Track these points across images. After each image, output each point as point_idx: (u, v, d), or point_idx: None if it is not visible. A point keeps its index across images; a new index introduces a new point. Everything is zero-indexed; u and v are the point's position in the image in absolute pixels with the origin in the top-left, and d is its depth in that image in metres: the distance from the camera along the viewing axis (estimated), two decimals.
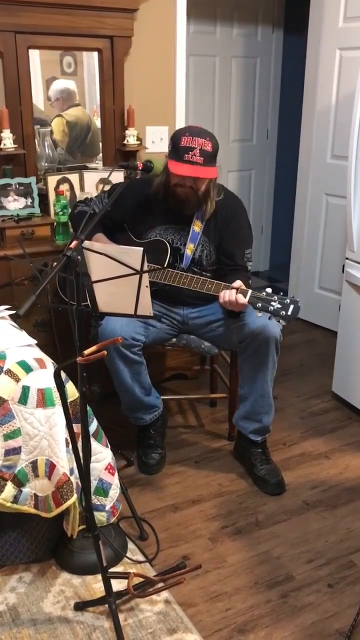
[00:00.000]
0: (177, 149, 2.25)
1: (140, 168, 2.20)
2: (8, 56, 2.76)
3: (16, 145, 2.78)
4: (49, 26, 2.79)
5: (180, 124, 3.35)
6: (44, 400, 1.81)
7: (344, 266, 2.90)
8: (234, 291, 2.15)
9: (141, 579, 1.89)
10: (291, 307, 2.08)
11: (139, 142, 3.09)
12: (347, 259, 2.87)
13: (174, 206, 2.40)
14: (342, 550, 2.14)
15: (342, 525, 2.26)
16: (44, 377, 1.85)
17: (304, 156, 3.93)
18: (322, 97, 3.68)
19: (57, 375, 1.57)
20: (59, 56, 3.21)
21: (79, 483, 1.84)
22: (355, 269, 2.81)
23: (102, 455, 1.98)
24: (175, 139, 2.27)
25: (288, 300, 2.09)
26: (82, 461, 1.71)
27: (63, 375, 1.76)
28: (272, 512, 2.32)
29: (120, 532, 2.11)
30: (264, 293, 2.12)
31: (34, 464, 1.84)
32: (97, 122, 3.23)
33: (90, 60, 3.20)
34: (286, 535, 2.20)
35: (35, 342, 2.06)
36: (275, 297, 2.10)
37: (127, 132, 3.06)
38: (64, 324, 1.86)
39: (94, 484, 1.96)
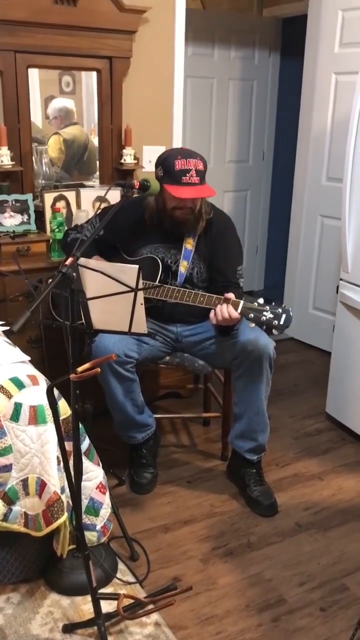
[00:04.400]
0: (172, 173, 2.25)
1: (137, 187, 2.21)
2: (8, 75, 2.79)
3: (13, 162, 2.79)
4: (49, 46, 2.83)
5: (177, 144, 3.38)
6: (36, 417, 1.80)
7: (338, 287, 2.91)
8: (225, 305, 2.15)
9: (131, 600, 1.87)
10: (283, 316, 2.08)
11: (135, 161, 3.12)
12: (341, 279, 2.88)
13: (173, 228, 2.41)
14: (335, 573, 2.12)
15: (334, 547, 2.24)
16: (36, 394, 1.84)
17: (299, 178, 3.96)
18: (318, 120, 3.72)
19: (49, 392, 1.56)
20: (57, 75, 3.24)
21: (70, 502, 1.82)
22: (349, 290, 2.83)
23: (93, 474, 1.96)
24: (168, 163, 2.26)
25: (280, 310, 2.10)
26: (73, 480, 1.69)
27: (56, 392, 1.76)
28: (264, 534, 2.30)
29: (110, 552, 2.09)
30: (256, 304, 2.13)
31: (25, 482, 1.82)
32: (95, 141, 3.25)
33: (89, 80, 3.23)
34: (278, 557, 2.18)
35: (29, 358, 2.05)
36: (267, 307, 2.11)
37: (124, 151, 3.08)
38: (58, 341, 1.86)
39: (84, 503, 1.94)
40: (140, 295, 1.79)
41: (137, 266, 1.73)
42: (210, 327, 2.41)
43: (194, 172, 2.24)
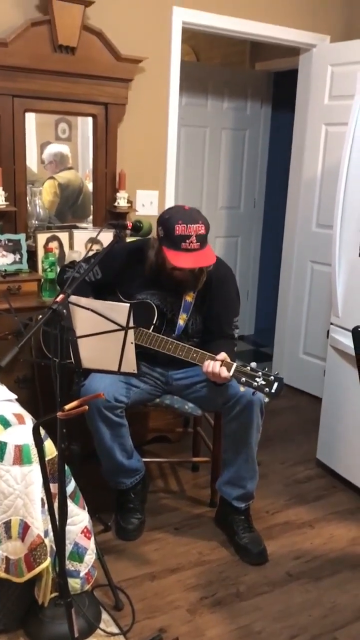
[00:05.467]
0: (171, 238, 2.19)
1: (130, 227, 2.22)
2: (5, 118, 2.84)
3: (8, 203, 2.82)
4: (47, 91, 2.89)
5: (170, 189, 3.43)
6: (21, 457, 1.76)
7: (328, 331, 2.92)
8: (217, 363, 2.12)
9: None
10: (275, 384, 2.03)
11: (129, 205, 3.15)
12: (331, 324, 2.89)
13: (171, 286, 2.39)
14: (327, 625, 2.04)
15: (326, 598, 2.17)
16: (22, 433, 1.80)
17: (290, 224, 4.02)
18: (308, 169, 3.81)
19: (35, 431, 1.52)
20: (54, 121, 3.30)
21: (54, 546, 1.77)
22: (340, 334, 2.83)
23: (78, 517, 1.90)
24: (168, 226, 2.20)
25: (272, 377, 2.04)
26: (57, 523, 1.64)
27: (42, 432, 1.72)
28: (253, 583, 2.23)
29: (94, 600, 2.01)
30: (249, 368, 2.08)
31: (7, 525, 1.76)
32: (90, 186, 3.29)
33: (85, 126, 3.30)
34: (268, 608, 2.11)
35: (16, 397, 2.02)
36: (260, 373, 2.05)
37: (118, 194, 3.12)
38: (47, 380, 1.83)
39: (68, 548, 1.87)
40: (131, 334, 1.78)
41: (128, 304, 1.73)
42: (201, 370, 2.38)
43: (195, 237, 2.18)
